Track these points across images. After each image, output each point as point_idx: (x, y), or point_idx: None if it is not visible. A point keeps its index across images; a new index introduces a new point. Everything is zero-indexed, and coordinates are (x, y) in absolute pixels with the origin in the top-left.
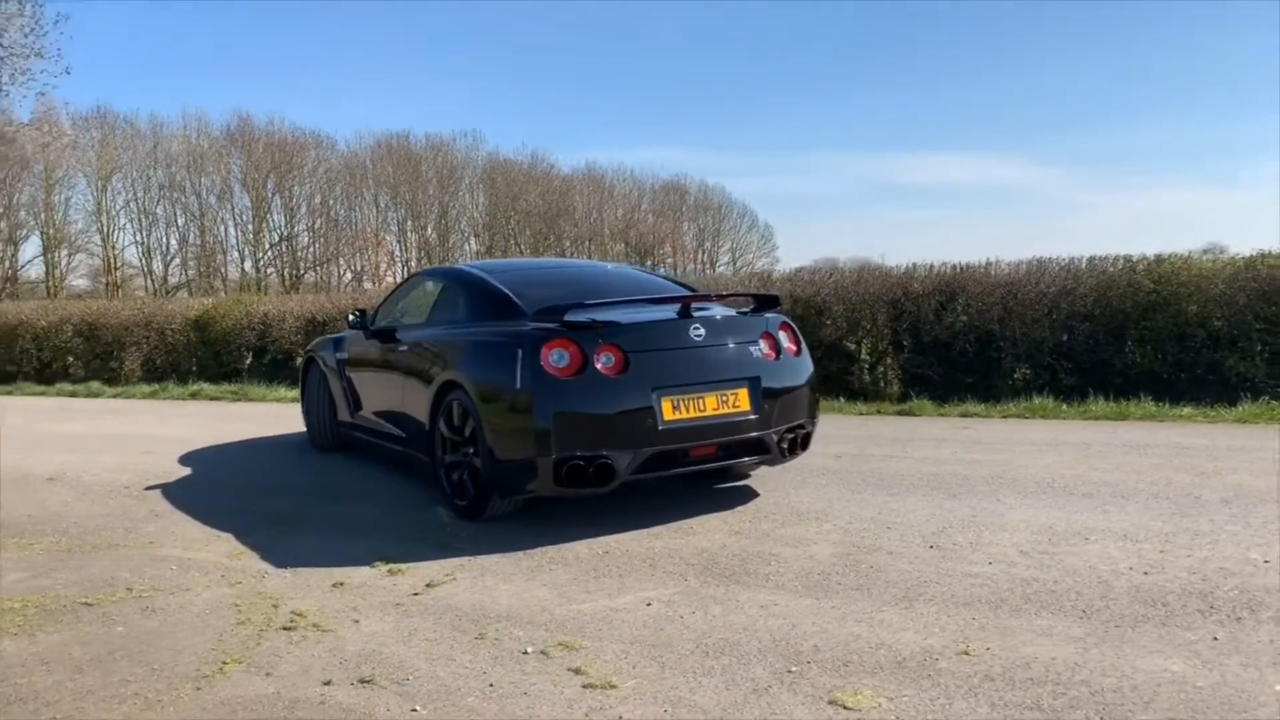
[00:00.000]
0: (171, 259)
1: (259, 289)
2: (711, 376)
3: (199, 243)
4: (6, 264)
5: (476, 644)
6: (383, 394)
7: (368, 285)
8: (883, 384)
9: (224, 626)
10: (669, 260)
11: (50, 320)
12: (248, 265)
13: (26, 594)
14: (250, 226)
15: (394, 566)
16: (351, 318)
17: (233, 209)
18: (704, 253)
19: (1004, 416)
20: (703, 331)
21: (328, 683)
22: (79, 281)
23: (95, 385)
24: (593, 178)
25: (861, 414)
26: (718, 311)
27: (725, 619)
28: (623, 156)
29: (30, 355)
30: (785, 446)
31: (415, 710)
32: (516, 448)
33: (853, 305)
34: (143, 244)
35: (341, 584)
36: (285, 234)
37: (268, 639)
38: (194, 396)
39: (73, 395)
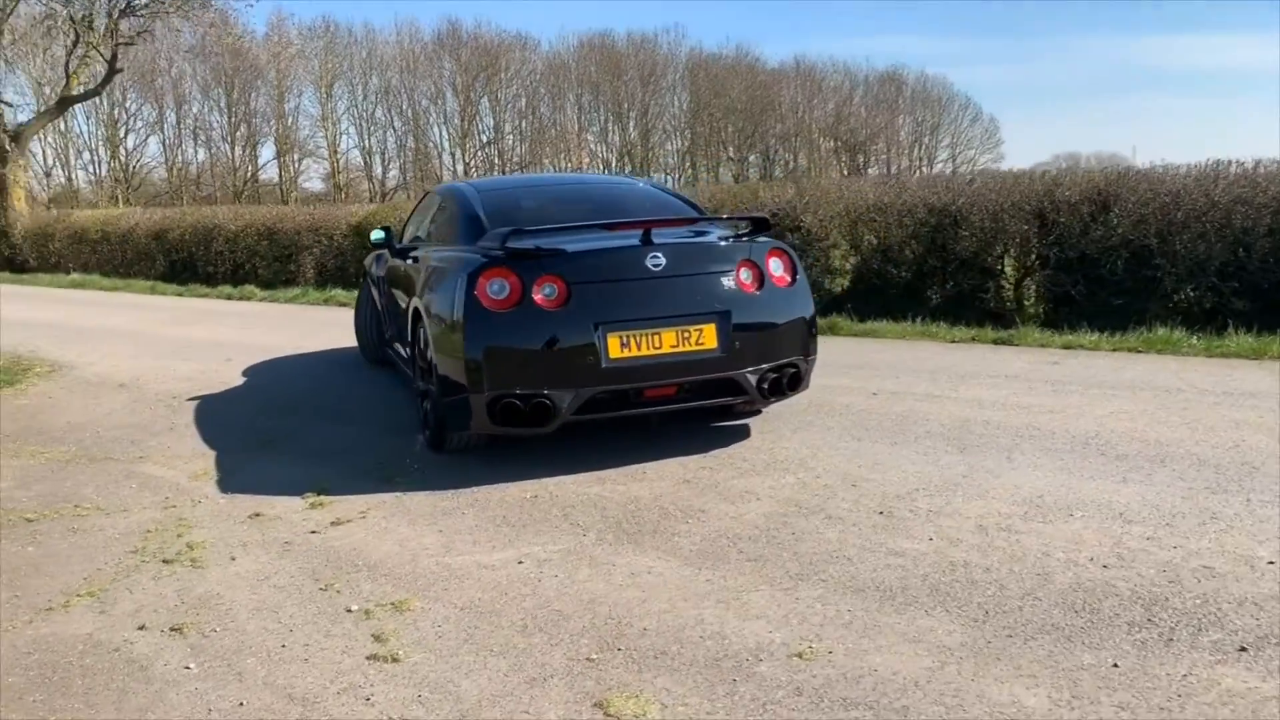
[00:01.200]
0: (390, 162)
1: None
2: (670, 310)
3: (413, 146)
4: (247, 167)
5: (315, 596)
6: (393, 314)
7: None
8: (1024, 304)
9: (117, 554)
10: (882, 157)
11: (239, 225)
12: (459, 168)
13: None
14: (459, 129)
15: (321, 499)
16: (376, 235)
17: (444, 112)
18: (920, 149)
19: (1113, 349)
20: (662, 260)
21: (142, 628)
22: (312, 184)
23: (248, 289)
24: (801, 71)
25: (954, 340)
26: (687, 237)
27: (581, 587)
28: (833, 48)
29: (225, 258)
30: (766, 387)
31: (188, 668)
32: (455, 383)
33: (992, 214)
34: (364, 147)
35: (259, 515)
36: (492, 136)
37: (139, 573)
38: (327, 302)
39: (227, 298)
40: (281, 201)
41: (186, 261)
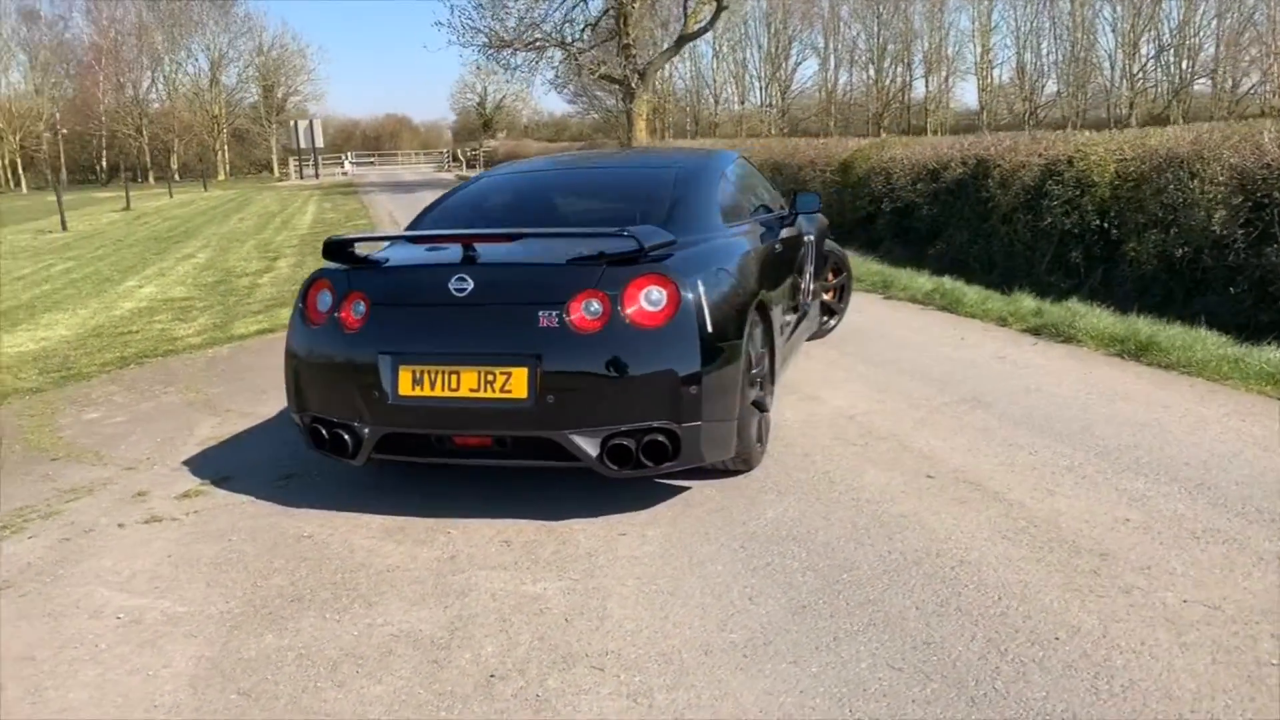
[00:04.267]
0: (1043, 78)
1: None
2: (473, 346)
3: (1070, 57)
4: (892, 90)
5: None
6: None
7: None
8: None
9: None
10: None
11: (759, 160)
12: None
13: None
14: (1126, 35)
15: (201, 487)
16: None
17: (1112, 9)
18: None
19: None
20: (468, 285)
21: None
22: (968, 101)
23: None
24: None
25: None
26: (521, 257)
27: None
28: None
29: None
30: (609, 457)
31: None
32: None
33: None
34: (1018, 63)
35: (144, 495)
36: (1170, 40)
37: None
38: None
39: None
40: (921, 126)
41: None
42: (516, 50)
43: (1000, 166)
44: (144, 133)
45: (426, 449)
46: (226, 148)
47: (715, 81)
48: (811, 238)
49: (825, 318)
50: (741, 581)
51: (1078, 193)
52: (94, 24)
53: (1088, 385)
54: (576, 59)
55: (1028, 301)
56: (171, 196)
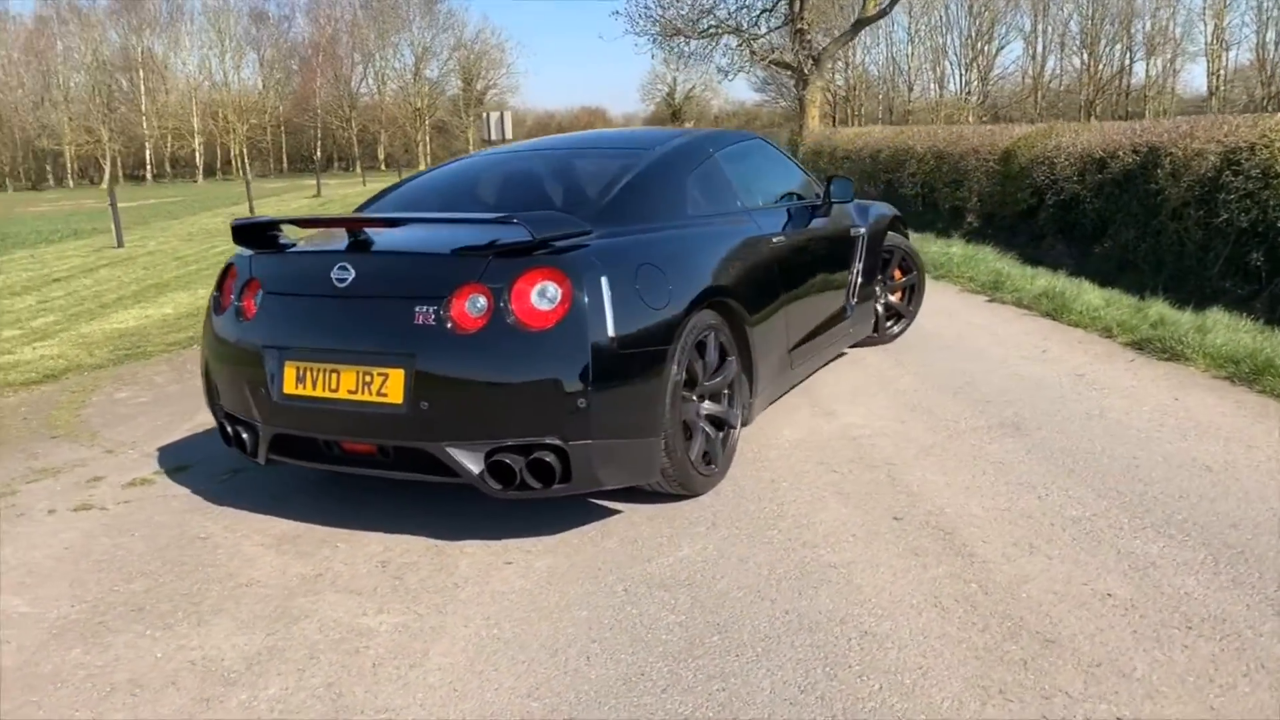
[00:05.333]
0: None
1: None
2: (352, 343)
3: None
4: (1106, 74)
5: None
6: None
7: None
8: None
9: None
10: None
11: (924, 147)
12: None
13: None
14: None
15: (153, 477)
16: None
17: None
18: None
19: None
20: (349, 274)
21: None
22: (1197, 87)
23: None
24: None
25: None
26: (408, 245)
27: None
28: None
29: (916, 180)
30: (489, 474)
31: None
32: None
33: None
34: (1258, 42)
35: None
36: None
37: None
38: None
39: None
40: (1140, 113)
41: (889, 184)
42: (689, 38)
43: (1172, 155)
44: (353, 124)
45: (316, 454)
46: (428, 139)
47: (910, 68)
48: (862, 230)
49: (890, 322)
50: (593, 635)
51: (1260, 185)
52: (314, 22)
53: (1166, 414)
54: (750, 46)
55: (1158, 309)
56: (365, 185)
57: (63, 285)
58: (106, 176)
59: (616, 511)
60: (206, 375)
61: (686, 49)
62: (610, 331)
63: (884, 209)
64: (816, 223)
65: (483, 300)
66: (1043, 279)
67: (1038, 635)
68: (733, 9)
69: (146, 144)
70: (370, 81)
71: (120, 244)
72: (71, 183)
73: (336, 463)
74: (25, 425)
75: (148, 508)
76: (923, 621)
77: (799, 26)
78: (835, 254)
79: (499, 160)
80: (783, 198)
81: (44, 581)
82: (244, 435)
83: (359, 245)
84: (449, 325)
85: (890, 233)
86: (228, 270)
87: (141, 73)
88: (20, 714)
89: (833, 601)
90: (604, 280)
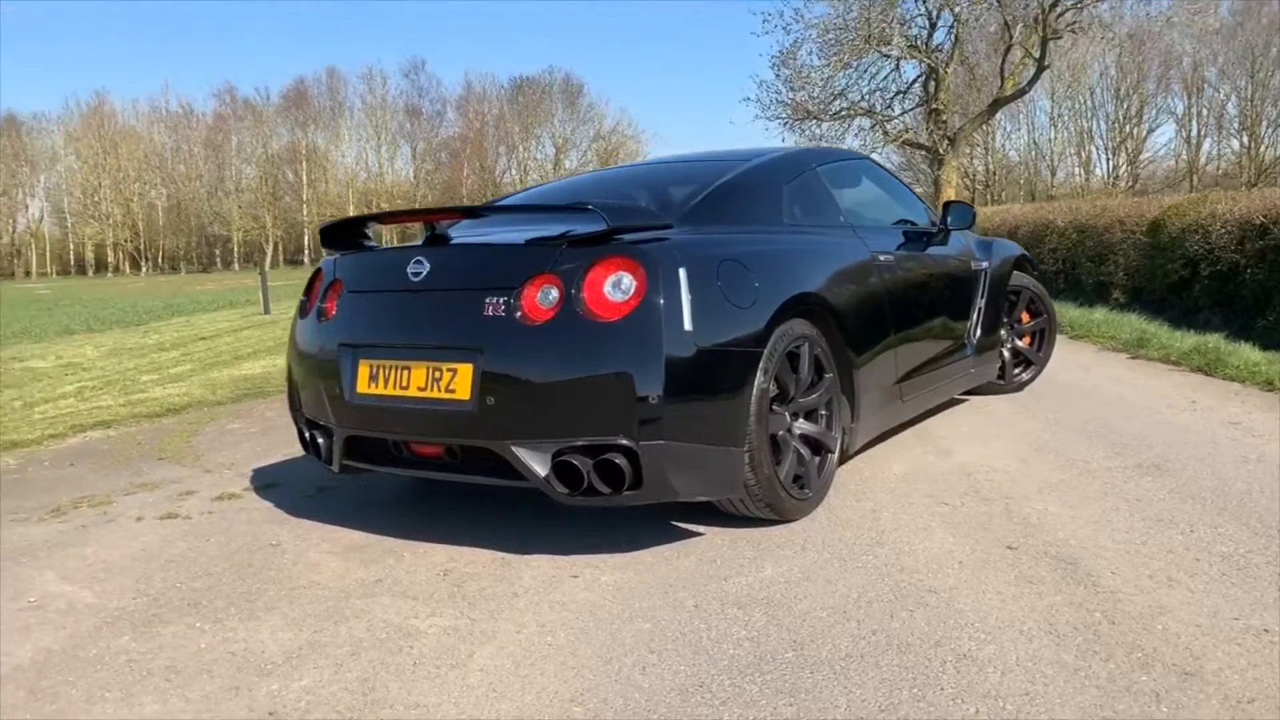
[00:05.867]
0: None
1: None
2: (424, 339)
3: None
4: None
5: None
6: None
7: None
8: None
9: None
10: None
11: (1065, 220)
12: None
13: None
14: None
15: (241, 492)
16: None
17: None
18: None
19: None
20: (424, 268)
21: None
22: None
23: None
24: None
25: None
26: (483, 237)
27: None
28: None
29: (1056, 255)
30: (556, 478)
31: None
32: None
33: None
34: None
35: (184, 494)
36: None
37: None
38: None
39: None
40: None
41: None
42: (820, 120)
43: None
44: None
45: (387, 457)
46: None
47: (1053, 152)
48: (984, 266)
49: (1018, 369)
50: (652, 646)
51: None
52: (464, 117)
53: None
54: (883, 127)
55: None
56: None
57: (207, 343)
58: (267, 259)
59: (697, 534)
60: (290, 381)
61: (818, 131)
62: (687, 325)
63: (1010, 246)
64: (932, 250)
65: (554, 291)
66: (1193, 338)
67: (1174, 668)
68: (866, 92)
69: (306, 229)
70: (513, 171)
71: (267, 310)
72: (237, 266)
73: (406, 466)
74: (138, 449)
75: (229, 518)
76: (1033, 647)
77: (934, 107)
78: (952, 285)
79: (603, 175)
80: (896, 223)
81: (114, 576)
82: (320, 441)
83: (436, 240)
84: (518, 316)
85: (1016, 272)
86: (315, 275)
87: (305, 164)
88: (54, 691)
89: (929, 624)
90: (682, 272)
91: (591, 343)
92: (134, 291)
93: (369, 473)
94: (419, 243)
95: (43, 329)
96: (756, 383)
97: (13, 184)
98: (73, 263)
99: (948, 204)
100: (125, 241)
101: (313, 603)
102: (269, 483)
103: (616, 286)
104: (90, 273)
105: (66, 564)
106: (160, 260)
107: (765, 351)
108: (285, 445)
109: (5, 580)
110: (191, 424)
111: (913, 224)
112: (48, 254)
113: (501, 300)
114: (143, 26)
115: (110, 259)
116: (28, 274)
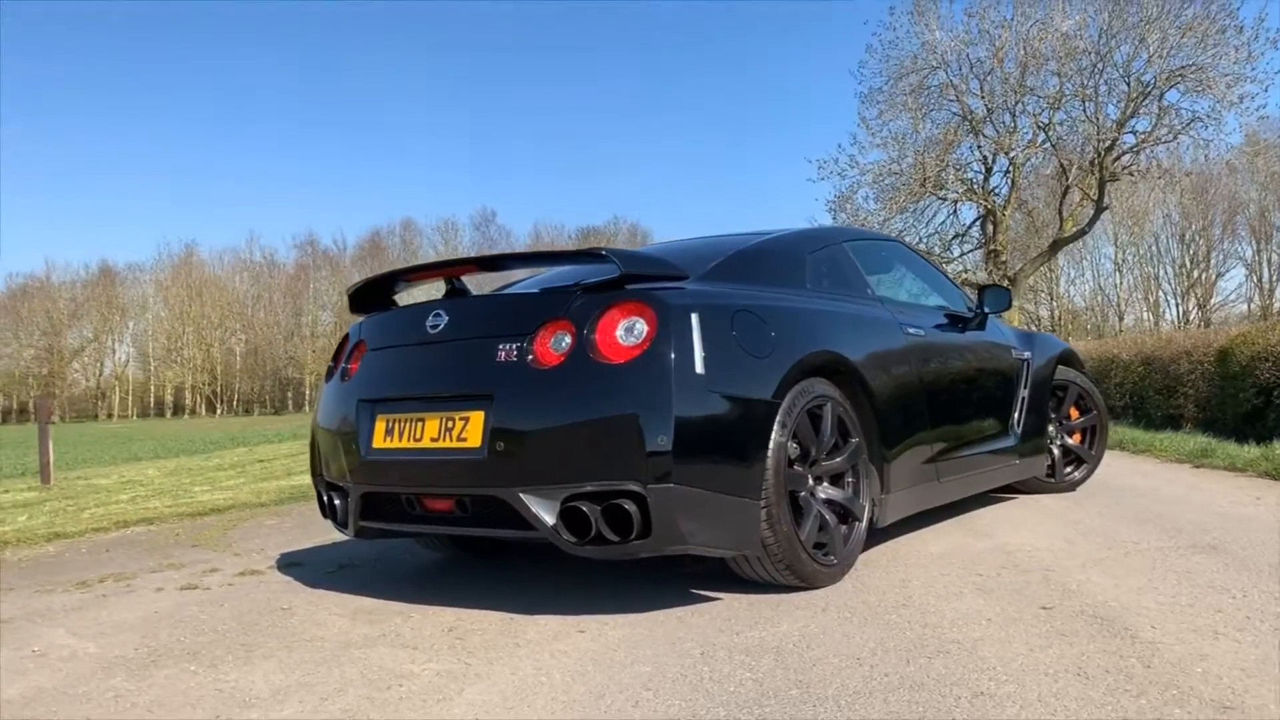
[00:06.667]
0: None
1: None
2: (437, 388)
3: None
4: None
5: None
6: None
7: None
8: None
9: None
10: None
11: (1130, 354)
12: None
13: None
14: None
15: (263, 570)
16: None
17: None
18: None
19: None
20: (442, 320)
21: None
22: None
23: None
24: None
25: None
26: (507, 288)
27: None
28: None
29: (1123, 389)
30: (565, 526)
31: None
32: None
33: None
34: None
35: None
36: None
37: None
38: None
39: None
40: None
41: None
42: None
43: None
44: None
45: (400, 514)
46: None
47: (1119, 298)
48: (1028, 357)
49: (1069, 467)
50: (649, 685)
51: None
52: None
53: None
54: (942, 270)
55: None
56: None
57: (264, 465)
58: None
59: (714, 598)
60: (312, 446)
61: None
62: (699, 369)
63: (1054, 341)
64: (969, 334)
65: (567, 337)
66: (1260, 448)
67: (1212, 702)
68: (924, 234)
69: None
70: None
71: None
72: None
73: (418, 523)
74: (174, 539)
75: (247, 589)
76: (1057, 686)
77: (992, 249)
78: (990, 369)
79: (683, 243)
80: (929, 305)
81: (121, 633)
82: (337, 503)
83: (454, 293)
84: (530, 360)
85: (1062, 367)
86: (343, 339)
87: None
88: (36, 714)
89: (947, 668)
90: (694, 317)
91: (601, 386)
92: (206, 428)
93: (384, 538)
94: (444, 295)
95: (112, 456)
96: (774, 435)
97: (104, 330)
98: (152, 405)
99: (983, 288)
100: (203, 385)
101: (310, 652)
102: (292, 562)
103: (629, 331)
104: (168, 414)
105: (78, 624)
106: (235, 403)
107: (784, 405)
108: (317, 535)
109: (16, 635)
110: (231, 521)
111: (947, 307)
112: (130, 396)
113: (515, 346)
114: (230, 181)
115: (188, 401)
116: (109, 416)
